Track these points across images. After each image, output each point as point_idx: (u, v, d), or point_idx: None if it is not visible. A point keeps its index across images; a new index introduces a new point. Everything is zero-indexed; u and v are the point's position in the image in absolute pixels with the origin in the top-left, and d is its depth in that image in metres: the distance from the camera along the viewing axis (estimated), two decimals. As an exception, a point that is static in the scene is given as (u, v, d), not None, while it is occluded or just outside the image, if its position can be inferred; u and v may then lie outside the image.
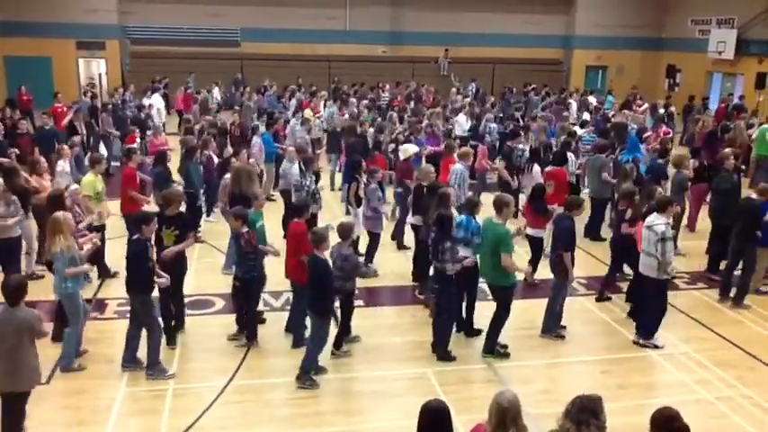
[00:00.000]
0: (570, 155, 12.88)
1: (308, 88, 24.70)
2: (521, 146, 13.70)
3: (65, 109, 18.61)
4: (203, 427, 6.74)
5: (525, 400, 4.76)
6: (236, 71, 29.64)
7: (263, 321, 8.91)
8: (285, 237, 11.14)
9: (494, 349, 8.28)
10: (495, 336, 8.28)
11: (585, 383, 7.67)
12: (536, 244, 10.45)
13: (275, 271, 8.92)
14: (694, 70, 31.03)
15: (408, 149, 12.78)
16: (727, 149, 12.40)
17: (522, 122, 18.31)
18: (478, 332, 8.68)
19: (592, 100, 23.52)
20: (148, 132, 16.85)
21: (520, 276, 9.16)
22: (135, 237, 7.60)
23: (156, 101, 20.50)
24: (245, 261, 8.26)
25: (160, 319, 7.89)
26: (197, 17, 30.53)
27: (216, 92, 25.14)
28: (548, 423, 4.76)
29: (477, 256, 8.37)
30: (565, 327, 8.91)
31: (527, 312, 9.51)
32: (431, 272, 8.72)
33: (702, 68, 30.58)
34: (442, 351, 8.17)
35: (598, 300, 10.01)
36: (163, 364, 7.67)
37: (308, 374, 7.54)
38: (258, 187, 10.87)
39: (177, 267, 8.27)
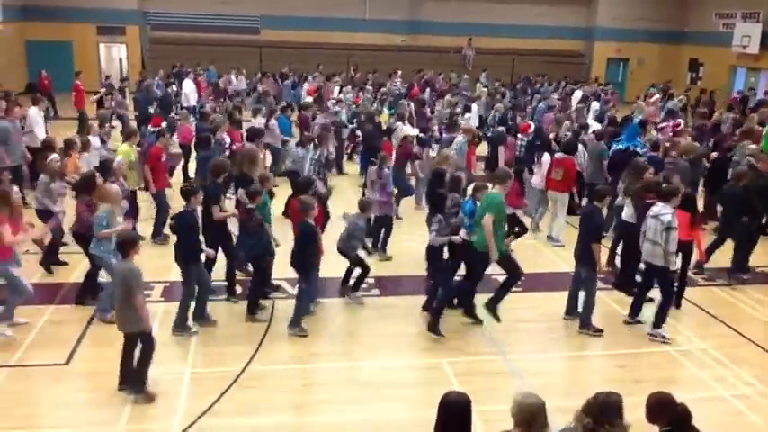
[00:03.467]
0: (581, 146, 12.92)
1: (327, 75, 24.72)
2: (520, 135, 14.05)
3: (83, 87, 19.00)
4: (219, 412, 6.79)
5: (539, 392, 4.73)
6: (256, 59, 29.67)
7: (266, 295, 9.25)
8: (283, 213, 11.74)
9: (495, 309, 8.58)
10: (501, 295, 8.63)
11: (602, 377, 7.69)
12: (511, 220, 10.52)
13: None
14: (717, 64, 30.62)
15: (408, 132, 13.64)
16: (754, 146, 12.25)
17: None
18: (475, 317, 8.84)
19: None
20: (176, 117, 17.01)
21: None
22: (183, 209, 8.25)
23: (186, 87, 20.66)
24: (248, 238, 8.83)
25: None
26: (217, 4, 30.57)
27: (240, 79, 25.25)
28: (562, 417, 4.75)
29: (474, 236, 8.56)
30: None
31: (545, 304, 9.52)
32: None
33: (726, 63, 30.16)
34: (431, 322, 8.43)
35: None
36: (190, 323, 8.32)
37: (298, 325, 8.31)
38: (262, 170, 11.05)
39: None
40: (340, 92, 21.02)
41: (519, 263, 8.87)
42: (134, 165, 11.14)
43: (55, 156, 10.27)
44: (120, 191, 8.76)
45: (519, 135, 14.07)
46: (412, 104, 18.53)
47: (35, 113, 14.25)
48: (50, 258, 9.96)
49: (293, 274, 8.88)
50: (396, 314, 9.11)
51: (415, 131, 13.98)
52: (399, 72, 25.58)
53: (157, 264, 9.78)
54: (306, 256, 8.27)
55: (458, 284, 8.80)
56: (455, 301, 9.04)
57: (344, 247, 9.02)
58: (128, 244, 6.83)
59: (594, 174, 12.56)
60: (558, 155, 12.14)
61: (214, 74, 25.53)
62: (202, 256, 8.44)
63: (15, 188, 8.63)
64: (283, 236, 9.36)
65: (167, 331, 8.23)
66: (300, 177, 10.69)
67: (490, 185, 8.74)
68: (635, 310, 9.02)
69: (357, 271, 9.34)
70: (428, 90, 23.56)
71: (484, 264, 8.53)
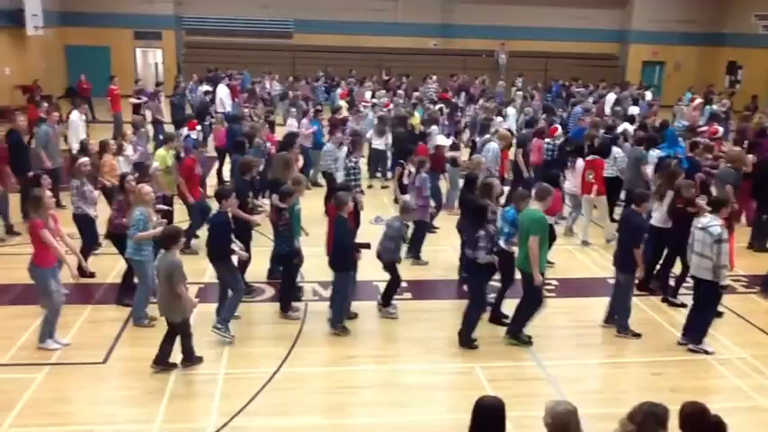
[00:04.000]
0: (618, 149, 12.78)
1: (359, 79, 24.82)
2: (548, 139, 14.02)
3: (119, 91, 19.30)
4: (252, 413, 6.84)
5: (574, 398, 4.70)
6: (289, 62, 29.94)
7: (298, 299, 9.30)
8: (327, 213, 11.77)
9: (518, 334, 8.29)
10: (521, 321, 8.29)
11: (637, 385, 7.59)
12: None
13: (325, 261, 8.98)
14: (757, 67, 30.00)
15: (442, 140, 13.52)
16: None
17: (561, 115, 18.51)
18: (504, 323, 8.66)
19: (647, 96, 22.93)
20: (212, 121, 17.22)
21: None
22: (216, 210, 8.48)
23: (221, 91, 20.93)
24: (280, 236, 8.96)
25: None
26: (250, 9, 30.90)
27: (274, 83, 25.41)
28: (597, 424, 4.71)
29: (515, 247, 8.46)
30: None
31: (579, 310, 9.43)
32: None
33: (766, 65, 29.55)
34: (464, 337, 8.20)
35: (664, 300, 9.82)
36: (230, 327, 8.24)
37: (339, 323, 8.44)
38: (295, 173, 11.03)
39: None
40: (372, 96, 21.09)
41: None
42: (171, 169, 11.28)
43: (84, 159, 10.29)
44: (152, 193, 8.76)
45: (546, 139, 13.98)
46: (443, 107, 18.51)
47: (76, 117, 14.53)
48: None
49: (326, 276, 8.94)
50: (427, 318, 9.09)
51: (448, 141, 13.87)
52: (435, 77, 25.51)
53: (192, 266, 9.82)
54: (341, 250, 8.30)
55: (519, 304, 8.33)
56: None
57: (381, 250, 8.90)
58: (170, 237, 7.24)
59: (633, 179, 12.38)
60: (590, 156, 12.10)
61: (248, 78, 25.80)
62: (234, 259, 8.48)
63: (49, 193, 8.53)
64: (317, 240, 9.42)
65: (201, 331, 8.27)
66: (338, 184, 10.70)
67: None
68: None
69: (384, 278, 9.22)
70: (462, 94, 23.44)
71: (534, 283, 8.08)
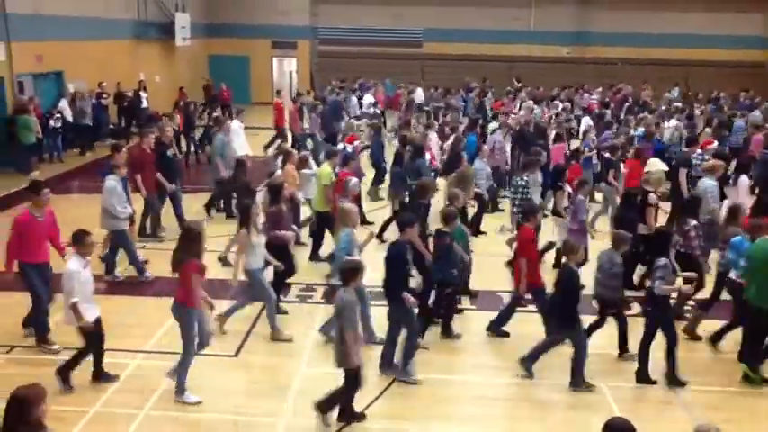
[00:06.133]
0: None
1: (511, 90, 24.38)
2: (699, 150, 13.06)
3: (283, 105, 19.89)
4: (373, 414, 6.92)
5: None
6: (418, 71, 30.24)
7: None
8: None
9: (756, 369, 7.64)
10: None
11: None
12: None
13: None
14: None
15: (657, 164, 11.56)
16: None
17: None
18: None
19: None
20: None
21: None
22: (397, 239, 7.80)
23: (366, 101, 21.22)
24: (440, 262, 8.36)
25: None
26: (381, 18, 31.52)
27: (419, 93, 25.52)
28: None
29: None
30: None
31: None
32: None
33: None
34: (671, 377, 7.51)
35: None
36: (412, 368, 7.54)
37: (582, 381, 7.44)
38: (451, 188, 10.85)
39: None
40: (520, 107, 20.58)
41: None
42: (329, 188, 10.64)
43: (279, 171, 10.52)
44: (357, 212, 8.51)
45: (698, 150, 13.10)
46: (588, 119, 17.83)
47: (237, 126, 15.02)
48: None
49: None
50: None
51: (663, 166, 11.75)
52: (600, 89, 24.53)
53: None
54: (570, 305, 7.36)
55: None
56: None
57: (603, 291, 7.99)
58: (350, 272, 6.50)
59: None
60: None
61: (391, 87, 26.12)
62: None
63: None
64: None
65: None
66: (524, 205, 9.65)
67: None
68: None
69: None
70: (625, 106, 22.41)
71: (762, 321, 7.47)
